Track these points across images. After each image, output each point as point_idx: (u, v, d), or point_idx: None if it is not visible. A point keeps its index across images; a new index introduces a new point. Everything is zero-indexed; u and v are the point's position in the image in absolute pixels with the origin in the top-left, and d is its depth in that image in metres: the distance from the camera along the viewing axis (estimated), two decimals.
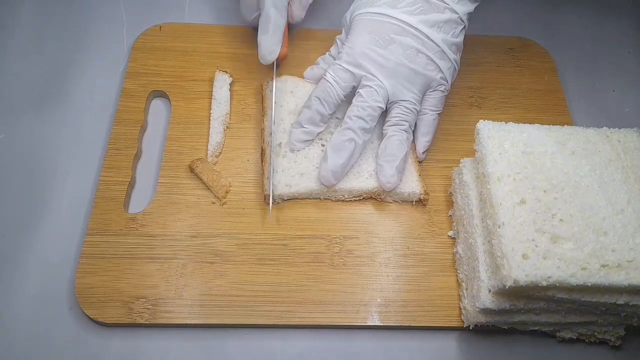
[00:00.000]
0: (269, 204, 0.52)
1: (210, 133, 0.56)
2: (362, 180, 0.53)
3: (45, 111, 0.58)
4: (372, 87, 0.52)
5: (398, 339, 0.49)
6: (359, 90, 0.53)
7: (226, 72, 0.59)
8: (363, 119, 0.52)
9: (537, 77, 0.63)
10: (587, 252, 0.42)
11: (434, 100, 0.55)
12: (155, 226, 0.51)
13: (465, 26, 0.54)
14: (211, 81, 0.59)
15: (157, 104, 0.59)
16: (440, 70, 0.53)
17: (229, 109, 0.58)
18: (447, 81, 0.55)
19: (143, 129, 0.57)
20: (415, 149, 0.56)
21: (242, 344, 0.48)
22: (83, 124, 0.57)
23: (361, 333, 0.49)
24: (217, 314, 0.47)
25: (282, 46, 0.57)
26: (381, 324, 0.48)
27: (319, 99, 0.53)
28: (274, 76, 0.57)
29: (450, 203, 0.54)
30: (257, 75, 0.60)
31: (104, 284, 0.48)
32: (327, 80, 0.53)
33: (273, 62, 0.57)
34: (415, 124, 0.55)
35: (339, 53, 0.54)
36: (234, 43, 0.62)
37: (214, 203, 0.52)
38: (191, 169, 0.53)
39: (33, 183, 0.54)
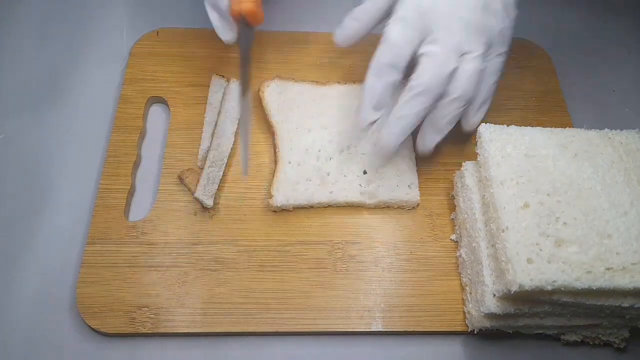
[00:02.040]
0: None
1: (202, 138, 0.55)
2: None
3: (43, 115, 0.57)
4: (444, 45, 0.45)
5: (402, 344, 0.48)
6: (427, 48, 0.46)
7: (222, 77, 0.59)
8: (436, 84, 0.45)
9: (537, 78, 0.63)
10: (591, 255, 0.42)
11: (495, 63, 0.49)
12: (156, 234, 0.50)
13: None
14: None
15: (156, 110, 0.59)
16: (507, 29, 0.48)
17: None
18: (509, 45, 0.49)
19: (142, 135, 0.56)
20: (467, 122, 0.51)
21: (245, 352, 0.47)
22: (82, 131, 0.57)
23: (365, 339, 0.48)
24: (220, 322, 0.47)
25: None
26: (385, 330, 0.48)
27: (391, 65, 0.45)
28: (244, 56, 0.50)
29: (452, 206, 0.54)
30: (257, 80, 0.60)
31: (105, 294, 0.47)
32: (394, 40, 0.45)
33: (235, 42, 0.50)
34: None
35: (396, 3, 0.47)
36: (232, 47, 0.62)
37: (208, 212, 0.52)
38: (180, 179, 0.53)
39: (32, 191, 0.53)
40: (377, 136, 0.49)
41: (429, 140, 0.50)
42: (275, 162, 0.54)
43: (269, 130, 0.56)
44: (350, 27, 0.50)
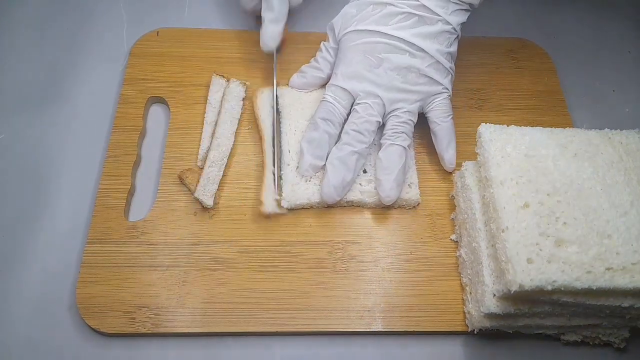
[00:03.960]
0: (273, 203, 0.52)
1: (202, 138, 0.55)
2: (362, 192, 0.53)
3: (43, 115, 0.57)
4: (367, 103, 0.52)
5: (402, 344, 0.48)
6: (355, 107, 0.53)
7: (223, 77, 0.59)
8: (360, 133, 0.52)
9: (537, 78, 0.63)
10: (591, 255, 0.42)
11: (441, 106, 0.54)
12: (156, 234, 0.50)
13: (458, 35, 0.54)
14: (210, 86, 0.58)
15: (156, 110, 0.59)
16: (436, 82, 0.53)
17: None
18: (447, 88, 0.54)
19: (142, 135, 0.56)
20: (443, 161, 0.55)
21: (245, 352, 0.47)
22: (82, 131, 0.57)
23: (365, 339, 0.48)
24: (220, 322, 0.47)
25: (283, 33, 0.57)
26: (385, 330, 0.48)
27: (324, 120, 0.53)
28: (275, 65, 0.58)
29: (452, 206, 0.54)
30: (257, 80, 0.60)
31: (105, 294, 0.47)
32: (328, 101, 0.53)
33: (274, 51, 0.57)
34: (435, 136, 0.54)
35: (334, 74, 0.55)
36: (233, 47, 0.62)
37: (208, 212, 0.52)
38: (180, 179, 0.53)
39: (32, 192, 0.53)
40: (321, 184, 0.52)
41: (385, 184, 0.51)
42: (263, 167, 0.53)
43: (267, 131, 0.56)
44: (297, 80, 0.58)
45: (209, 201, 0.51)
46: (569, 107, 0.61)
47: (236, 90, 0.57)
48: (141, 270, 0.49)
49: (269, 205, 0.51)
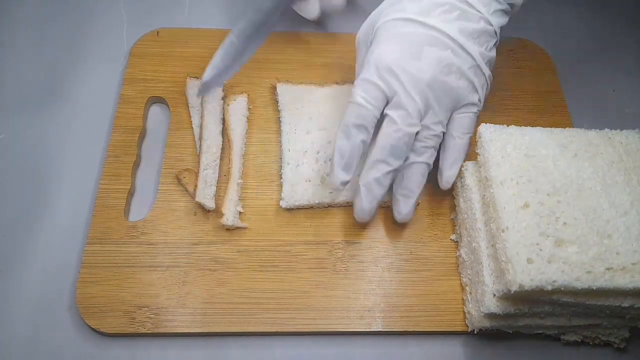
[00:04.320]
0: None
1: (195, 142, 0.55)
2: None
3: (43, 115, 0.57)
4: (405, 109, 0.46)
5: (402, 344, 0.48)
6: (389, 112, 0.46)
7: (196, 78, 0.57)
8: (398, 148, 0.46)
9: (537, 78, 0.63)
10: (591, 255, 0.42)
11: (466, 121, 0.49)
12: (156, 234, 0.50)
13: (497, 41, 0.50)
14: None
15: (156, 110, 0.59)
16: (475, 89, 0.48)
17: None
18: (480, 101, 0.49)
19: (142, 135, 0.56)
20: (441, 177, 0.51)
21: (245, 352, 0.47)
22: (82, 131, 0.57)
23: (365, 339, 0.48)
24: (220, 322, 0.47)
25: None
26: (385, 330, 0.48)
27: (357, 127, 0.46)
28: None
29: (452, 206, 0.54)
30: (256, 80, 0.60)
31: (105, 294, 0.47)
32: (360, 104, 0.46)
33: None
34: (442, 148, 0.50)
35: (366, 63, 0.48)
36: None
37: (209, 212, 0.52)
38: (178, 180, 0.53)
39: (31, 191, 0.53)
40: (353, 202, 0.49)
41: (403, 207, 0.49)
42: (228, 177, 0.52)
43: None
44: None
45: (210, 203, 0.51)
46: (569, 107, 0.61)
47: (213, 90, 0.56)
48: (141, 270, 0.49)
49: (230, 218, 0.50)
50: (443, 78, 0.47)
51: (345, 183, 0.47)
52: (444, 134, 0.49)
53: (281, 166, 0.54)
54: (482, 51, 0.48)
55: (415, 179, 0.49)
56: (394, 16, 0.48)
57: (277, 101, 0.57)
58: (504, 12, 0.50)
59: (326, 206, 0.53)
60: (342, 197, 0.52)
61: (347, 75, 0.60)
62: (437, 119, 0.48)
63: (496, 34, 0.49)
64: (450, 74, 0.47)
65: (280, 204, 0.52)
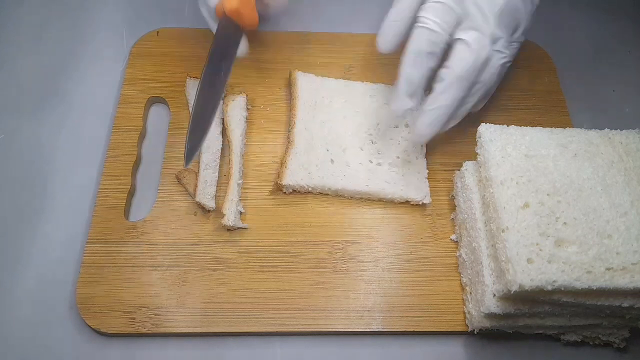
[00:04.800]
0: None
1: None
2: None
3: (43, 115, 0.57)
4: (482, 33, 0.44)
5: (402, 344, 0.48)
6: (463, 37, 0.44)
7: (196, 78, 0.57)
8: (472, 74, 0.45)
9: (537, 78, 0.63)
10: (591, 255, 0.42)
11: (513, 49, 0.48)
12: (156, 234, 0.50)
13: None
14: None
15: (156, 110, 0.59)
16: (529, 11, 0.47)
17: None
18: (527, 28, 0.48)
19: (142, 135, 0.56)
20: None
21: (245, 352, 0.47)
22: (82, 131, 0.57)
23: (365, 339, 0.48)
24: (220, 322, 0.47)
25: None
26: (384, 330, 0.48)
27: (428, 53, 0.44)
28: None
29: (452, 206, 0.54)
30: (255, 80, 0.60)
31: (105, 294, 0.47)
32: (430, 28, 0.44)
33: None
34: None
35: None
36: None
37: (209, 212, 0.52)
38: (178, 180, 0.53)
39: (32, 192, 0.53)
40: (413, 126, 0.48)
41: (435, 125, 0.48)
42: (228, 179, 0.52)
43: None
44: (389, 31, 0.48)
45: (210, 203, 0.51)
46: (569, 107, 0.61)
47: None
48: (141, 270, 0.49)
49: (231, 218, 0.50)
50: (512, 0, 0.45)
51: (409, 110, 0.46)
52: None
53: (287, 150, 0.54)
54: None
55: (471, 104, 0.48)
56: None
57: (297, 87, 0.57)
58: None
59: (335, 194, 0.53)
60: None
61: (347, 74, 0.60)
62: (505, 41, 0.46)
63: None
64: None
65: (283, 190, 0.52)
